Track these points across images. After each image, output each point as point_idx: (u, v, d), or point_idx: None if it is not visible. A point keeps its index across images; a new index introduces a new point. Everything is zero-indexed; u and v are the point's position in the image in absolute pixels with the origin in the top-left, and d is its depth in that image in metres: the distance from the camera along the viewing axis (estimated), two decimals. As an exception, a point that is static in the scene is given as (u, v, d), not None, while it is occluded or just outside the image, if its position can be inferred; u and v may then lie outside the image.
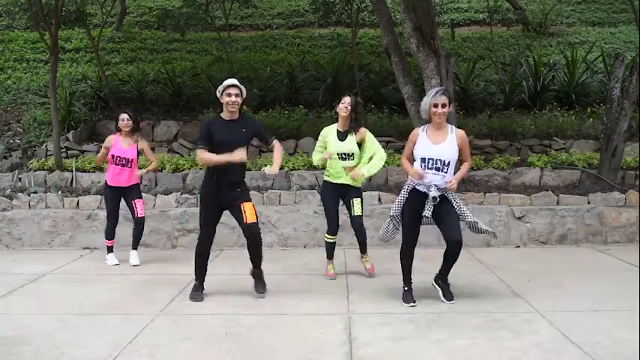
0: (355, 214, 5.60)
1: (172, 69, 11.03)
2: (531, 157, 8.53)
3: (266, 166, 5.09)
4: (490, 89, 10.63)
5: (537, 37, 13.06)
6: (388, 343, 4.03)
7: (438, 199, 4.65)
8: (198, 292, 5.10)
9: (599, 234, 7.26)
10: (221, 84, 4.89)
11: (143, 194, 7.60)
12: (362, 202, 5.66)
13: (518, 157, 8.78)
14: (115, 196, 6.42)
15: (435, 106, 4.60)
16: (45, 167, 8.72)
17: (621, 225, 7.26)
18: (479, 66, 11.25)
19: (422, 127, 4.83)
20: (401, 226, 4.89)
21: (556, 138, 9.23)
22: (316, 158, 5.71)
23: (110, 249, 6.52)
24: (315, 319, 4.55)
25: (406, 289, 4.96)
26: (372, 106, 9.99)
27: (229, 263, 6.40)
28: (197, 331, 4.31)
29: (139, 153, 6.50)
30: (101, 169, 8.58)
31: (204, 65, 11.82)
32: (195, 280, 5.16)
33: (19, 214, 7.47)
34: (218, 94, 4.92)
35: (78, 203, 7.64)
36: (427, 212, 4.65)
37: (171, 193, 7.88)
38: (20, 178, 8.56)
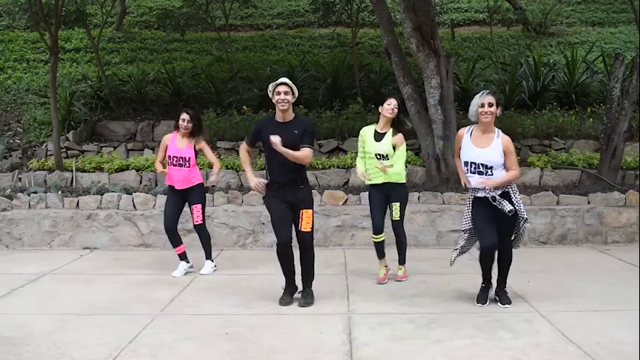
0: (393, 218, 5.53)
1: (172, 69, 11.02)
2: (531, 157, 8.53)
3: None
4: (490, 89, 10.61)
5: (537, 37, 13.06)
6: (388, 343, 4.03)
7: (499, 197, 4.57)
8: (286, 296, 4.97)
9: (599, 234, 7.25)
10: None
11: (143, 194, 7.63)
12: (402, 205, 5.54)
13: (519, 157, 8.70)
14: (173, 197, 5.98)
15: (482, 105, 4.54)
16: (45, 167, 8.73)
17: (621, 225, 7.25)
18: (479, 66, 11.25)
19: (468, 128, 4.75)
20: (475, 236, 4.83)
21: (556, 138, 9.23)
22: (360, 170, 5.61)
23: (180, 256, 6.05)
24: (315, 319, 4.55)
25: (484, 286, 4.90)
26: (372, 106, 9.97)
27: (229, 263, 6.40)
28: (197, 331, 4.31)
29: (197, 153, 6.04)
30: (101, 169, 8.59)
31: (204, 65, 11.82)
32: (285, 284, 5.02)
33: (19, 214, 7.47)
34: (269, 94, 4.86)
35: (78, 203, 7.64)
36: (507, 208, 4.55)
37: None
38: (20, 178, 8.56)
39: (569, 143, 9.19)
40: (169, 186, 6.03)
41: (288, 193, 4.81)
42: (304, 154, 4.74)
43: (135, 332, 4.27)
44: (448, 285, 5.42)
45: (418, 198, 7.64)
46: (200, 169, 8.30)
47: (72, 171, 8.51)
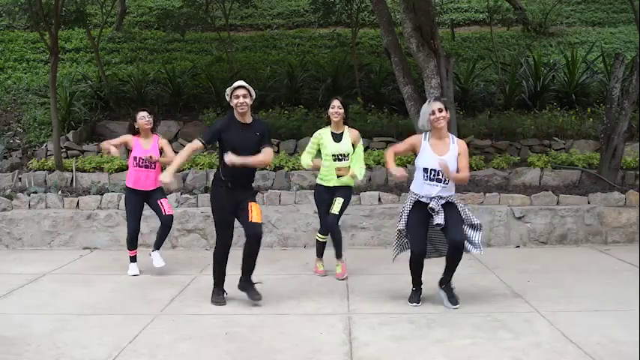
0: (331, 211, 5.62)
1: (172, 69, 11.02)
2: (531, 157, 8.53)
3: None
4: (490, 89, 10.62)
5: (537, 37, 13.06)
6: (388, 343, 4.03)
7: (439, 209, 4.61)
8: (220, 296, 5.02)
9: (599, 234, 7.25)
10: (223, 84, 4.89)
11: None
12: (345, 203, 5.66)
13: (518, 157, 8.77)
14: (137, 200, 5.99)
15: (433, 112, 4.60)
16: (45, 167, 8.73)
17: (621, 225, 7.25)
18: (479, 66, 11.25)
19: (424, 134, 4.79)
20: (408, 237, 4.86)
21: (556, 138, 9.23)
22: (306, 161, 5.79)
23: (132, 259, 6.11)
24: (315, 319, 4.55)
25: (414, 289, 4.95)
26: (372, 106, 9.98)
27: (229, 263, 6.38)
28: (197, 331, 4.31)
29: (161, 152, 6.05)
30: (101, 169, 8.59)
31: (204, 65, 11.82)
32: (215, 285, 5.06)
33: (19, 214, 7.47)
34: (227, 98, 4.87)
35: (78, 203, 7.64)
36: (439, 220, 4.59)
37: (171, 193, 7.87)
38: (20, 178, 8.56)
39: (569, 143, 9.19)
40: (130, 189, 5.99)
41: (238, 193, 4.86)
42: (268, 154, 4.85)
43: (135, 332, 4.27)
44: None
45: (418, 198, 7.64)
46: (200, 169, 8.34)
47: (72, 171, 8.51)
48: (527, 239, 7.26)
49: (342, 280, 5.70)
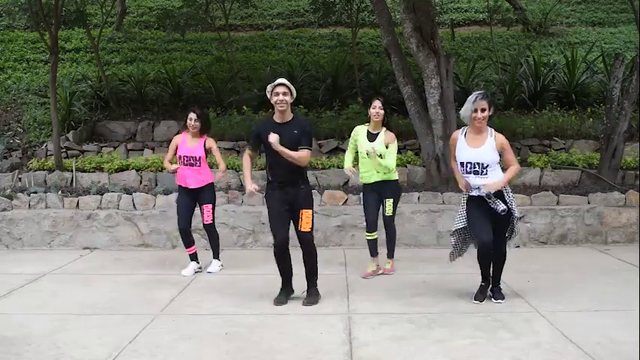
0: (386, 214, 5.73)
1: (172, 69, 11.02)
2: (531, 157, 8.53)
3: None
4: (490, 89, 10.61)
5: (537, 37, 13.05)
6: (388, 343, 4.03)
7: (492, 194, 4.64)
8: (280, 295, 5.03)
9: (599, 234, 7.25)
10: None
11: (143, 194, 7.63)
12: (395, 202, 5.74)
13: (519, 157, 8.71)
14: (185, 198, 6.01)
15: (475, 111, 4.64)
16: (45, 167, 8.72)
17: (621, 225, 7.25)
18: (479, 66, 11.25)
19: (461, 129, 4.87)
20: (470, 234, 4.92)
21: (556, 138, 9.23)
22: (347, 162, 5.84)
23: (191, 257, 6.06)
24: (315, 319, 4.55)
25: (483, 284, 4.97)
26: (372, 106, 9.97)
27: (229, 263, 6.39)
28: (197, 331, 4.31)
29: (207, 152, 6.03)
30: (101, 169, 8.59)
31: (204, 65, 11.82)
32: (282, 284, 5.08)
33: (19, 214, 7.47)
34: (268, 95, 4.89)
35: (78, 203, 7.64)
36: (500, 207, 4.64)
37: (171, 193, 7.87)
38: (20, 178, 8.56)
39: (569, 143, 9.19)
40: (180, 186, 6.06)
41: (288, 194, 4.83)
42: (301, 155, 4.78)
43: (135, 332, 4.27)
44: (448, 285, 5.42)
45: (418, 198, 7.65)
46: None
47: (72, 171, 8.50)
48: (527, 239, 7.26)
49: (389, 274, 5.82)
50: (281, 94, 4.78)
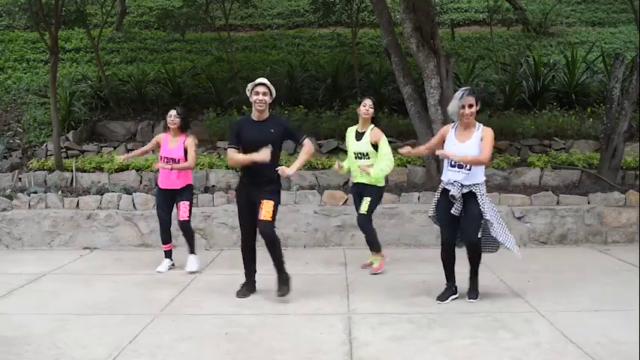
0: (360, 211, 5.80)
1: (172, 69, 11.02)
2: (531, 157, 8.53)
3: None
4: (490, 89, 10.62)
5: (537, 37, 13.06)
6: (388, 343, 4.03)
7: (459, 196, 4.72)
8: (242, 288, 5.17)
9: (599, 234, 7.25)
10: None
11: (143, 194, 7.62)
12: (372, 202, 5.79)
13: (518, 157, 8.78)
14: (164, 199, 6.07)
15: (463, 107, 4.71)
16: (45, 167, 8.72)
17: (621, 225, 7.25)
18: (479, 66, 11.26)
19: (453, 124, 4.94)
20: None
21: (556, 138, 9.23)
22: (345, 162, 6.00)
23: (167, 254, 6.19)
24: (315, 319, 4.55)
25: (447, 285, 5.03)
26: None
27: (229, 263, 6.39)
28: (197, 331, 4.31)
29: (185, 152, 6.01)
30: (101, 169, 8.59)
31: (204, 65, 11.82)
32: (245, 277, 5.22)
33: (19, 214, 7.47)
34: (247, 93, 4.97)
35: (78, 203, 7.64)
36: (454, 210, 4.76)
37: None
38: (20, 178, 8.56)
39: (569, 143, 9.19)
40: (159, 188, 6.08)
41: (256, 191, 4.91)
42: (308, 146, 4.99)
43: (135, 332, 4.27)
44: (448, 285, 5.42)
45: (418, 198, 7.65)
46: (201, 169, 8.34)
47: (72, 171, 8.50)
48: (527, 239, 7.26)
49: (376, 274, 5.83)
50: (261, 93, 4.88)
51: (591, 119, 9.45)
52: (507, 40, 13.35)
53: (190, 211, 6.04)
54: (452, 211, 4.76)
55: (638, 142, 8.91)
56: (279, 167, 4.88)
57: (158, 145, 6.10)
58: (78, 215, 7.41)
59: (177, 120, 5.98)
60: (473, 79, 10.57)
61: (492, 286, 5.42)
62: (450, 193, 4.76)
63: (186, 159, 5.97)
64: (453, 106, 4.80)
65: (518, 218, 7.27)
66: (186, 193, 6.05)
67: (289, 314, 4.68)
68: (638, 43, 9.22)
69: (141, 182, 8.50)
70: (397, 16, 10.38)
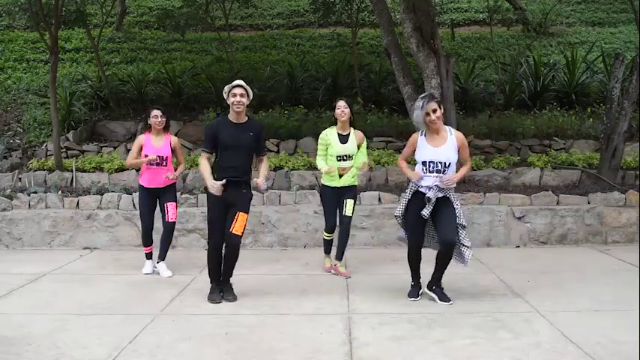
0: (345, 214, 5.76)
1: (172, 69, 11.02)
2: (531, 157, 8.53)
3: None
4: (490, 89, 10.62)
5: (537, 37, 13.06)
6: (388, 343, 4.03)
7: (434, 200, 4.72)
8: (214, 294, 5.09)
9: (599, 234, 7.25)
10: (223, 84, 4.93)
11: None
12: (354, 204, 5.80)
13: (518, 157, 8.78)
14: (149, 198, 5.99)
15: (427, 114, 4.70)
16: (45, 167, 8.72)
17: (621, 225, 7.25)
18: (479, 66, 11.26)
19: (420, 131, 4.89)
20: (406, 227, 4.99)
21: (556, 138, 9.23)
22: (321, 164, 5.82)
23: (147, 256, 6.15)
24: (315, 319, 4.55)
25: (413, 284, 5.08)
26: (372, 106, 9.98)
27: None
28: (197, 331, 4.31)
29: (173, 151, 6.05)
30: (101, 169, 8.59)
31: (204, 65, 11.82)
32: (211, 282, 5.15)
33: (19, 214, 7.47)
34: (224, 96, 4.95)
35: (78, 203, 7.64)
36: (425, 212, 4.74)
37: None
38: (20, 178, 8.56)
39: (569, 143, 9.19)
40: (142, 187, 6.01)
41: (231, 195, 4.87)
42: (266, 162, 5.18)
43: (135, 332, 4.27)
44: (447, 285, 5.40)
45: (418, 198, 7.64)
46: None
47: (72, 171, 8.50)
48: (527, 239, 7.26)
49: (348, 278, 5.77)
50: (238, 95, 4.85)
51: (591, 119, 9.46)
52: (507, 40, 13.35)
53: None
54: (422, 213, 4.73)
55: (638, 142, 8.91)
56: (253, 180, 4.90)
57: (141, 148, 6.01)
58: (78, 215, 7.41)
59: (164, 119, 5.97)
60: (473, 79, 10.57)
61: (492, 286, 5.43)
62: (427, 195, 4.73)
63: (172, 156, 6.03)
64: (417, 116, 4.75)
65: (519, 218, 7.27)
66: (173, 193, 6.05)
67: (289, 314, 4.68)
68: (638, 43, 9.22)
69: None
70: (397, 16, 10.38)
